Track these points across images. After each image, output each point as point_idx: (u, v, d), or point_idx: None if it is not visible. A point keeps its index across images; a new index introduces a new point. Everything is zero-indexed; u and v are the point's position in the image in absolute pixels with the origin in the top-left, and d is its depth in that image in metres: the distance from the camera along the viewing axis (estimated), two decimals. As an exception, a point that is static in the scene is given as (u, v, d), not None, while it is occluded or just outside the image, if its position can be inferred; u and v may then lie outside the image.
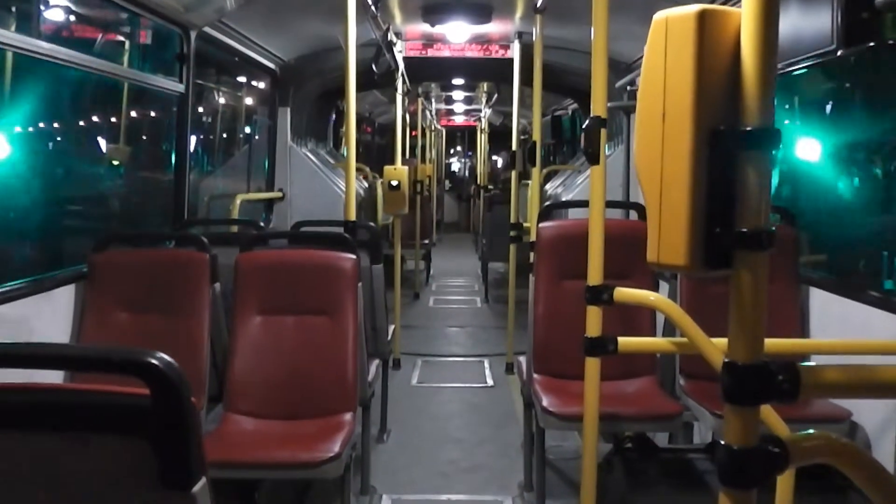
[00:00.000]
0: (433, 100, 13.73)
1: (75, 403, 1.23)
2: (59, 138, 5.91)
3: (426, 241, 11.69)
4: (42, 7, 4.74)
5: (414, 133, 14.23)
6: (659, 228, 1.31)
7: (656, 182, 1.32)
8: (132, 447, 1.20)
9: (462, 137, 23.55)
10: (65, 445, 1.23)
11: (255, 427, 3.42)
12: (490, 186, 15.52)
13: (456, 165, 24.36)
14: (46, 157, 5.58)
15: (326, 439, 3.19)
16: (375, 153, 17.26)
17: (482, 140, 16.15)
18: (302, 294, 3.63)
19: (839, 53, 3.33)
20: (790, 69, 3.67)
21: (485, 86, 11.57)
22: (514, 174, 6.80)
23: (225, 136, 8.57)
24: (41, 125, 5.44)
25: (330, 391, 3.50)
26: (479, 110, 15.14)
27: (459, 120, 18.89)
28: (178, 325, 3.60)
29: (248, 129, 8.79)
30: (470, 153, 23.07)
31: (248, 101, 8.49)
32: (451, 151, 24.08)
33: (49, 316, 3.48)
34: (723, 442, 1.28)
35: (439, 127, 18.54)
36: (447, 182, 21.87)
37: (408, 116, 12.18)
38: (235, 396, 3.50)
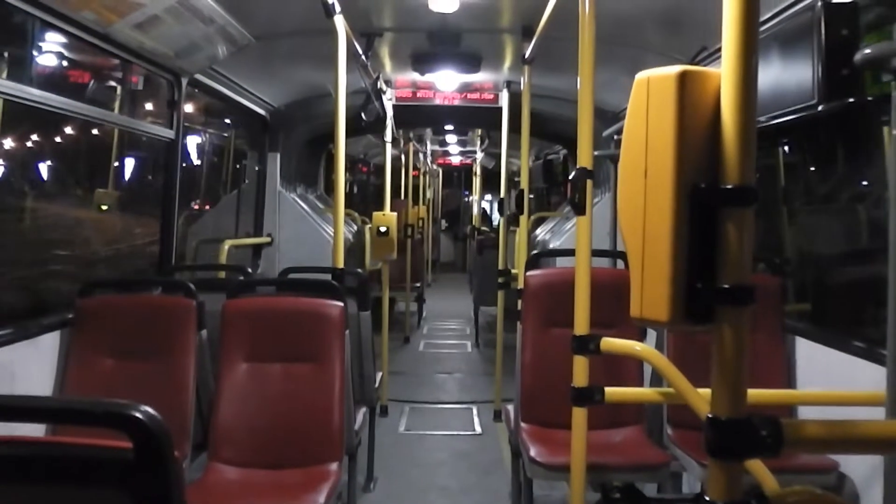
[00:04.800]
0: (427, 142, 13.80)
1: (59, 457, 1.22)
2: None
3: (417, 284, 11.64)
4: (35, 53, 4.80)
5: (416, 173, 14.27)
6: (641, 283, 1.33)
7: (639, 237, 1.34)
8: (115, 501, 1.19)
9: (459, 176, 23.61)
10: (47, 498, 1.22)
11: (240, 477, 3.37)
12: (484, 229, 15.60)
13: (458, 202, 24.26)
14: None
15: (312, 490, 3.15)
16: (372, 192, 17.43)
17: (476, 183, 16.25)
18: (289, 341, 3.61)
19: (820, 108, 3.39)
20: (771, 123, 3.73)
21: (478, 130, 11.65)
22: (502, 221, 6.84)
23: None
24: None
25: (316, 440, 3.47)
26: (475, 151, 15.22)
27: (456, 160, 18.91)
28: (163, 372, 3.58)
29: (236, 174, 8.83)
30: (467, 192, 23.10)
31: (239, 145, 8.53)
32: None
33: (34, 362, 3.45)
34: (707, 498, 1.28)
35: (435, 167, 18.61)
36: (443, 221, 21.89)
37: (403, 157, 12.24)
38: (220, 445, 3.46)
